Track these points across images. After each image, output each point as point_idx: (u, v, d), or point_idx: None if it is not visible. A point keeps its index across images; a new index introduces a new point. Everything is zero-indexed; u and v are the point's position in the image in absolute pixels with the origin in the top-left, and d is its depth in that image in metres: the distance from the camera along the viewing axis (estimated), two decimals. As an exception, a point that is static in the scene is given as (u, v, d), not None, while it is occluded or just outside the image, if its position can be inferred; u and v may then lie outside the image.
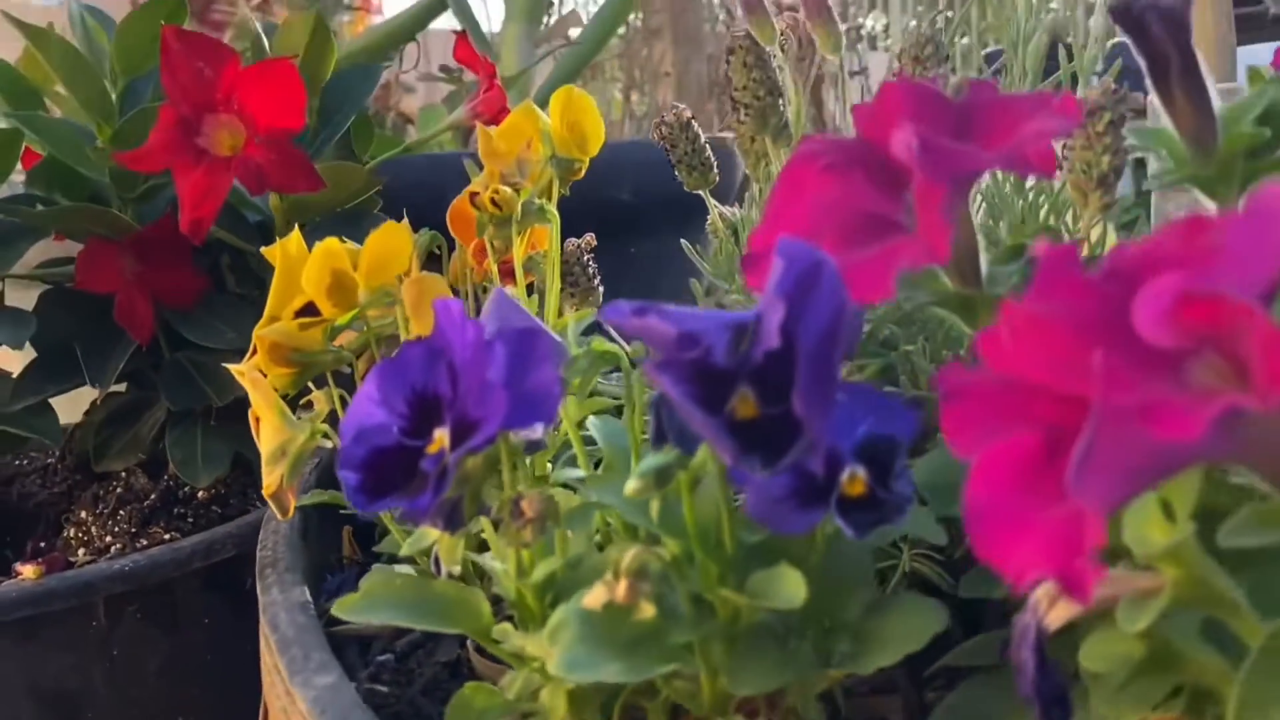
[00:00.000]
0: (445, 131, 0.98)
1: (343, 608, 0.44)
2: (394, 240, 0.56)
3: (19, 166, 0.85)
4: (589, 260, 0.79)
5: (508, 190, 0.60)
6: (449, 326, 0.42)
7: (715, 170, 0.75)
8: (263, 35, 0.83)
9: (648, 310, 0.36)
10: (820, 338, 0.36)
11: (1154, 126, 0.43)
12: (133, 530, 0.85)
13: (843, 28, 0.68)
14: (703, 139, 0.74)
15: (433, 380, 0.43)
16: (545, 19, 1.49)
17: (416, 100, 2.00)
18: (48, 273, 0.85)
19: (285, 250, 0.62)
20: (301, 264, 0.61)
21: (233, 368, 0.59)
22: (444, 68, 1.50)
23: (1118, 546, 0.34)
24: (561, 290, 0.78)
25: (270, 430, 0.57)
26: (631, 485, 0.38)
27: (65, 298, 0.84)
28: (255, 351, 0.61)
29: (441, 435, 0.41)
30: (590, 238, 0.80)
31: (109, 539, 0.85)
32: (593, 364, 0.50)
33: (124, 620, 0.76)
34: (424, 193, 1.04)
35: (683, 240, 0.77)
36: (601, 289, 0.81)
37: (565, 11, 2.02)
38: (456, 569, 0.48)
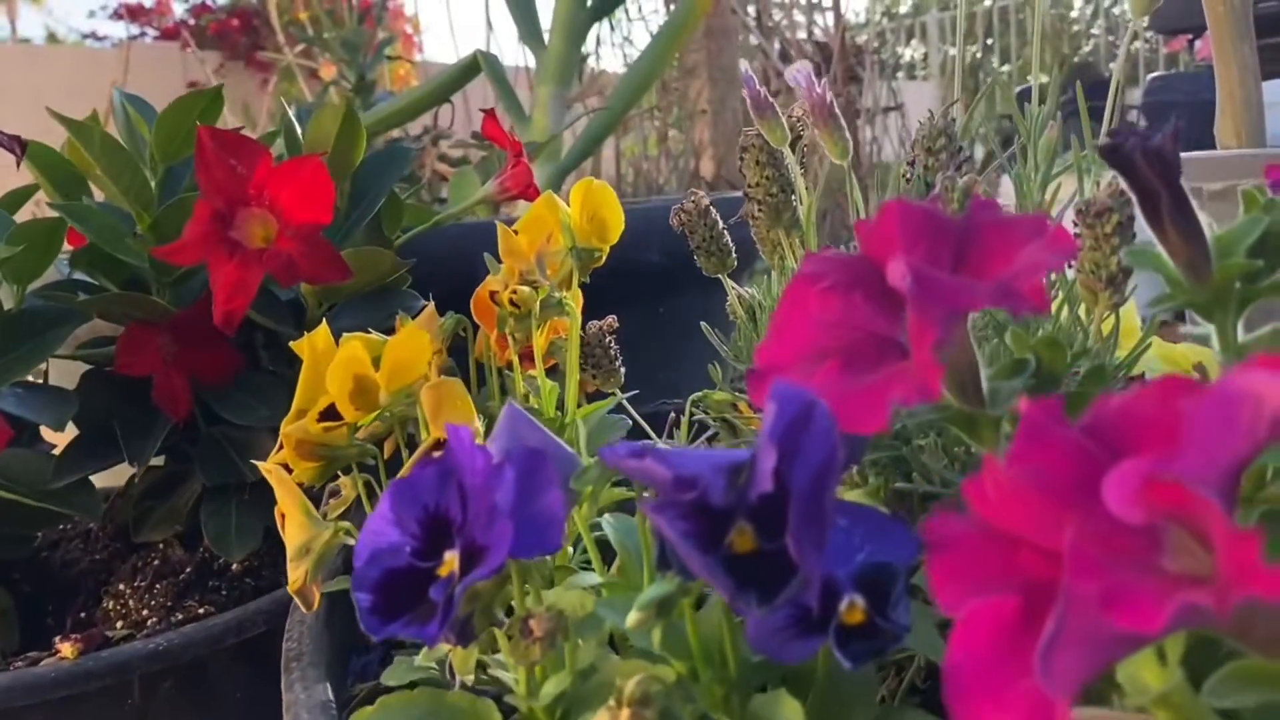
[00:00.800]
0: (476, 206, 1.00)
1: (359, 721, 0.45)
2: (414, 344, 0.58)
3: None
4: (610, 342, 0.81)
5: (526, 291, 0.62)
6: (460, 452, 0.43)
7: (733, 255, 0.76)
8: (295, 123, 0.85)
9: (644, 453, 0.37)
10: (813, 478, 0.37)
11: (1149, 248, 0.44)
12: (168, 604, 0.87)
13: (881, 57, 0.69)
14: (720, 225, 0.76)
15: (444, 501, 0.44)
16: (577, 80, 1.52)
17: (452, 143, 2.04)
18: (89, 353, 0.88)
19: (313, 344, 0.64)
20: (329, 357, 0.63)
21: (260, 465, 0.61)
22: (475, 134, 1.53)
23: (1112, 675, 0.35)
24: (583, 371, 0.80)
25: (295, 528, 0.59)
26: (633, 617, 0.39)
27: (105, 377, 0.87)
28: (282, 446, 0.63)
29: (452, 558, 0.43)
30: (611, 320, 0.81)
31: (145, 612, 0.87)
32: (603, 474, 0.51)
33: (158, 696, 0.78)
34: (453, 264, 1.06)
35: (702, 323, 0.78)
36: (623, 370, 0.82)
37: (596, 73, 2.05)
38: (469, 679, 0.49)
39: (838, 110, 0.58)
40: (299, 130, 0.85)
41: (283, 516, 0.60)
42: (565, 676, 0.45)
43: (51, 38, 7.76)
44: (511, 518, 0.41)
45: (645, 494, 0.50)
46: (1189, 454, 0.26)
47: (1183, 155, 1.19)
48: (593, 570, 0.58)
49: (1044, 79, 0.73)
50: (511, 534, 0.40)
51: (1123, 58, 0.75)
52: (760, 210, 0.66)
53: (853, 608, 0.40)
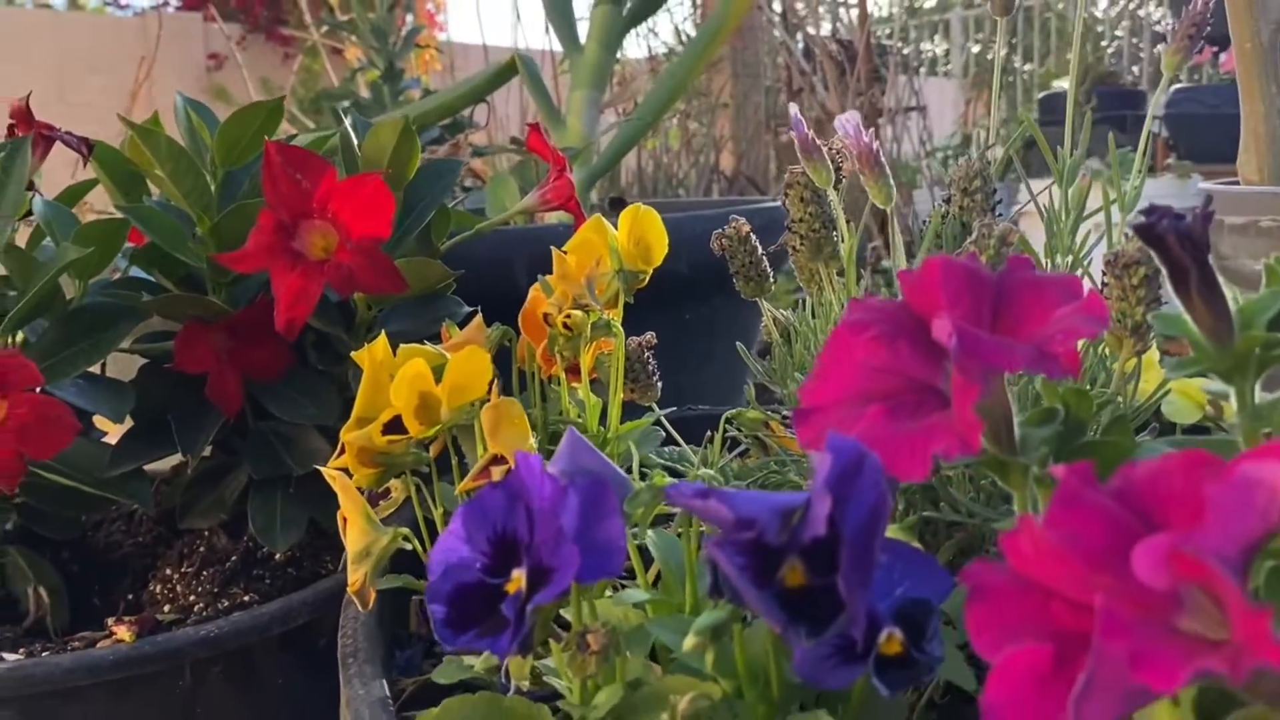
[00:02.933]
0: (514, 216, 1.03)
1: (423, 725, 0.49)
2: (476, 364, 0.61)
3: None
4: (649, 357, 0.84)
5: (580, 314, 0.65)
6: (529, 478, 0.47)
7: (770, 280, 0.80)
8: (352, 134, 0.89)
9: (709, 494, 0.40)
10: (862, 524, 0.40)
11: (1177, 316, 0.47)
12: (215, 590, 0.91)
13: (904, 51, 0.72)
14: (760, 251, 0.79)
15: (512, 523, 0.48)
16: (609, 84, 1.55)
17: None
18: (146, 347, 0.91)
19: (372, 355, 0.68)
20: (388, 367, 0.66)
21: (323, 470, 0.64)
22: (514, 139, 1.56)
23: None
24: (624, 384, 0.84)
25: (356, 532, 0.63)
26: (690, 642, 0.43)
27: (161, 371, 0.90)
28: (342, 451, 0.66)
29: (519, 576, 0.46)
30: (650, 336, 0.85)
31: (192, 598, 0.91)
32: (653, 499, 0.54)
33: (207, 681, 0.82)
34: (493, 268, 1.10)
35: (738, 343, 0.82)
36: (660, 383, 0.86)
37: (624, 67, 2.08)
38: (525, 684, 0.53)
39: (883, 159, 0.61)
40: (356, 142, 0.88)
41: (344, 520, 0.64)
42: (617, 688, 0.49)
43: (74, 4, 7.78)
44: (576, 542, 0.45)
45: (703, 529, 0.54)
46: (1209, 531, 0.30)
47: (1203, 186, 1.22)
48: (633, 581, 0.62)
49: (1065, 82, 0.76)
50: (578, 558, 0.44)
51: (1158, 77, 0.77)
52: (802, 244, 0.69)
53: (891, 640, 0.43)
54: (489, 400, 0.61)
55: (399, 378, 0.60)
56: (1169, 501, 0.34)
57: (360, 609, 0.65)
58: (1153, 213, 0.43)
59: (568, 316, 0.65)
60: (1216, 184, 1.17)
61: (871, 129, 0.67)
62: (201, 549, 0.96)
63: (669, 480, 0.56)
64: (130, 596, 0.96)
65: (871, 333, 0.49)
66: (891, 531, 0.50)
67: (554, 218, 1.40)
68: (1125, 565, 0.32)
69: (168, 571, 0.95)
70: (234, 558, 0.93)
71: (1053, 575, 0.35)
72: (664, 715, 0.44)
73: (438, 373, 0.65)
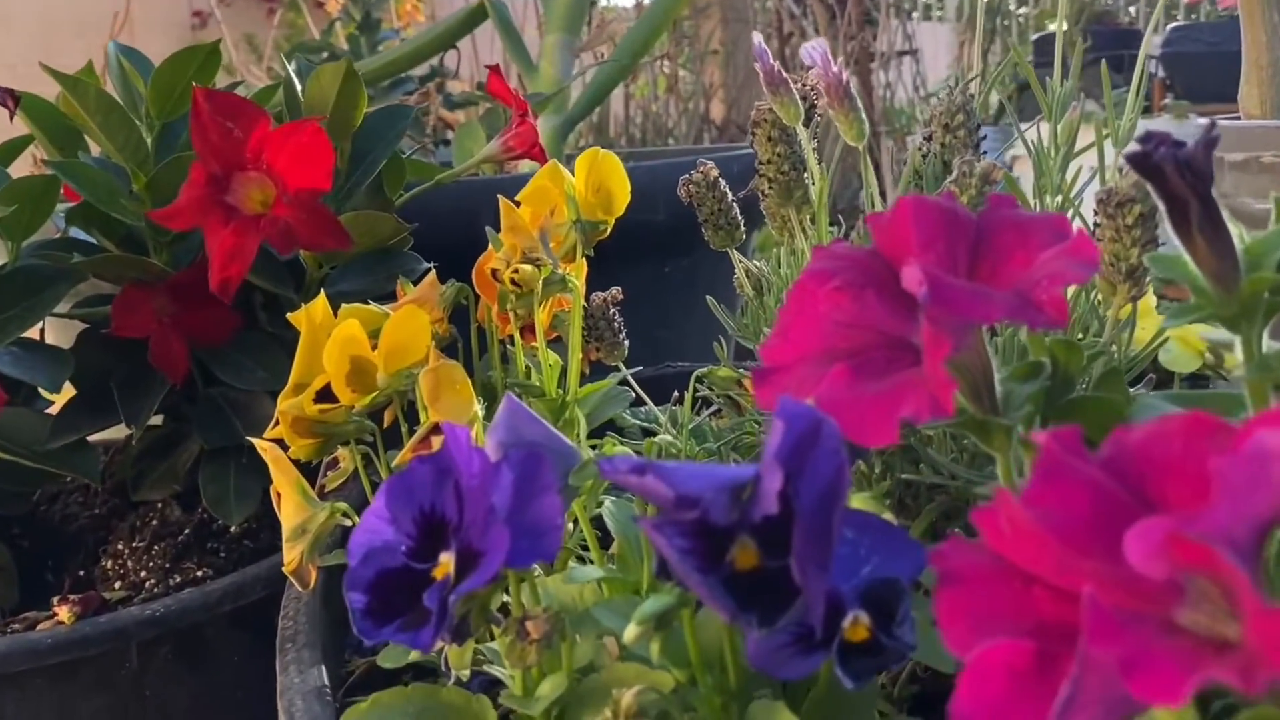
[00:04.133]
0: (478, 165, 0.98)
1: (351, 718, 0.45)
2: (413, 326, 0.56)
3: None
4: (614, 314, 0.79)
5: (529, 270, 0.60)
6: (456, 452, 0.42)
7: (741, 229, 0.75)
8: (295, 81, 0.83)
9: (645, 469, 0.36)
10: (819, 499, 0.35)
11: (1176, 256, 0.42)
12: (166, 565, 0.87)
13: None
14: (730, 197, 0.74)
15: (441, 501, 0.43)
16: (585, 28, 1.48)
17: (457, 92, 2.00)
18: (85, 312, 0.86)
19: (310, 317, 0.63)
20: (327, 330, 0.61)
21: (255, 441, 0.60)
22: (479, 86, 1.50)
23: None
24: (587, 343, 0.79)
25: (291, 507, 0.58)
26: (631, 631, 0.38)
27: (102, 337, 0.85)
28: (278, 421, 0.61)
29: (447, 560, 0.42)
30: (616, 292, 0.80)
31: (144, 574, 0.87)
32: (591, 473, 0.50)
33: (155, 661, 0.78)
34: (456, 221, 1.04)
35: (708, 297, 0.77)
36: (627, 342, 0.81)
37: (602, 10, 2.01)
38: (465, 674, 0.48)
39: (854, 90, 0.56)
40: (299, 88, 0.83)
41: (278, 495, 0.59)
42: (561, 679, 0.44)
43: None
44: (508, 523, 0.40)
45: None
46: (1216, 511, 0.25)
47: (1202, 121, 1.16)
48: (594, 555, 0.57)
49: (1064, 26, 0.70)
50: (508, 541, 0.39)
51: (1152, 12, 0.72)
52: (771, 187, 0.64)
53: (857, 625, 0.39)
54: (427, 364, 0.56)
55: (330, 341, 0.56)
56: (1168, 473, 0.30)
57: (300, 590, 0.60)
58: (1149, 140, 0.38)
59: (515, 272, 0.60)
60: (1216, 119, 1.11)
61: (854, 70, 0.62)
62: (154, 522, 0.91)
63: (621, 450, 0.51)
64: (82, 573, 0.91)
65: (836, 283, 0.45)
66: (859, 501, 0.45)
67: (526, 167, 1.35)
68: (1117, 548, 0.28)
69: (119, 546, 0.90)
70: (186, 531, 0.89)
71: (1033, 559, 0.31)
72: (607, 711, 0.39)
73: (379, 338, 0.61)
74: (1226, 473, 0.25)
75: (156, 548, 0.88)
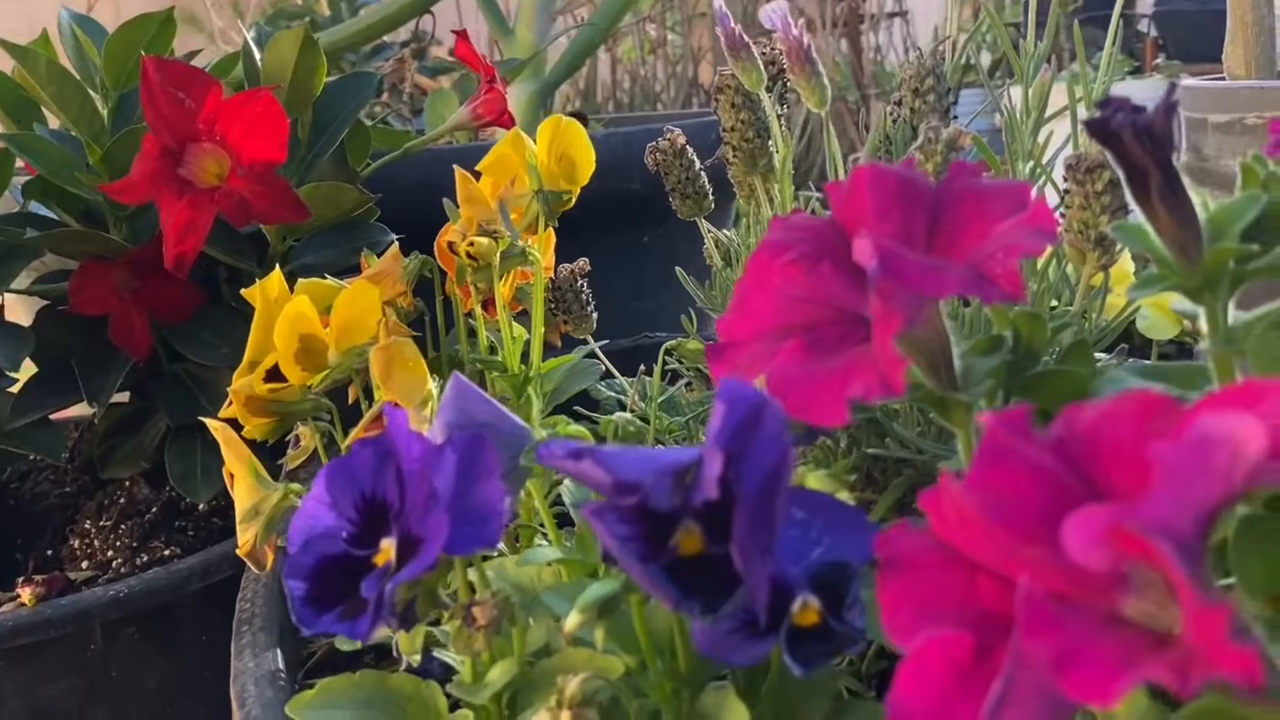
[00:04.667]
0: (448, 133, 0.96)
1: (297, 707, 0.44)
2: (364, 301, 0.55)
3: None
4: (582, 285, 0.78)
5: (485, 243, 0.58)
6: (396, 436, 0.41)
7: (710, 198, 0.73)
8: (255, 49, 0.81)
9: (583, 454, 0.34)
10: (761, 485, 0.34)
11: (1138, 226, 0.41)
12: (134, 545, 0.86)
13: None
14: (697, 165, 0.72)
15: (382, 486, 0.42)
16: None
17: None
18: (45, 288, 0.85)
19: (265, 292, 0.61)
20: (283, 306, 0.60)
21: (207, 421, 0.58)
22: (451, 52, 1.47)
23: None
24: (555, 316, 0.77)
25: (243, 489, 0.57)
26: (572, 620, 0.37)
27: (62, 313, 0.84)
28: (232, 403, 0.60)
29: (388, 546, 0.41)
30: (583, 263, 0.78)
31: (110, 553, 0.85)
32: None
33: (121, 642, 0.77)
34: (427, 192, 1.02)
35: (677, 269, 0.75)
36: (595, 315, 0.79)
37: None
38: (416, 660, 0.47)
39: (815, 55, 0.54)
40: (258, 56, 0.81)
41: (230, 476, 0.58)
42: (511, 664, 0.43)
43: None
44: (449, 509, 0.39)
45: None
46: (1158, 500, 0.24)
47: (1187, 83, 1.14)
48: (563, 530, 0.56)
49: None
50: (447, 527, 0.38)
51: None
52: (736, 155, 0.63)
53: (806, 609, 0.38)
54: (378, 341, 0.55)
55: (279, 319, 0.54)
56: (1116, 456, 0.28)
57: (256, 572, 0.59)
58: (1107, 105, 0.36)
59: (470, 245, 0.59)
60: (1200, 80, 1.09)
61: (843, 33, 0.60)
62: (121, 500, 0.90)
63: (573, 430, 0.50)
64: (50, 552, 0.90)
65: (792, 255, 0.43)
66: (816, 480, 0.44)
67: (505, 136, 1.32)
68: (1060, 535, 0.27)
69: (86, 525, 0.89)
70: (154, 509, 0.88)
71: (977, 546, 0.29)
72: (552, 700, 0.38)
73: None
74: (1167, 460, 0.24)
75: (124, 526, 0.87)
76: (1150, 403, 0.28)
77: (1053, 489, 0.29)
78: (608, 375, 0.79)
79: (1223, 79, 1.09)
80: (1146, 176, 0.37)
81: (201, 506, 0.89)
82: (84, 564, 0.86)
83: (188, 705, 0.81)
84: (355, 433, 0.55)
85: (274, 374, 0.57)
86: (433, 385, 0.54)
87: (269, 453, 0.68)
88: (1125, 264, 0.82)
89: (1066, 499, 0.28)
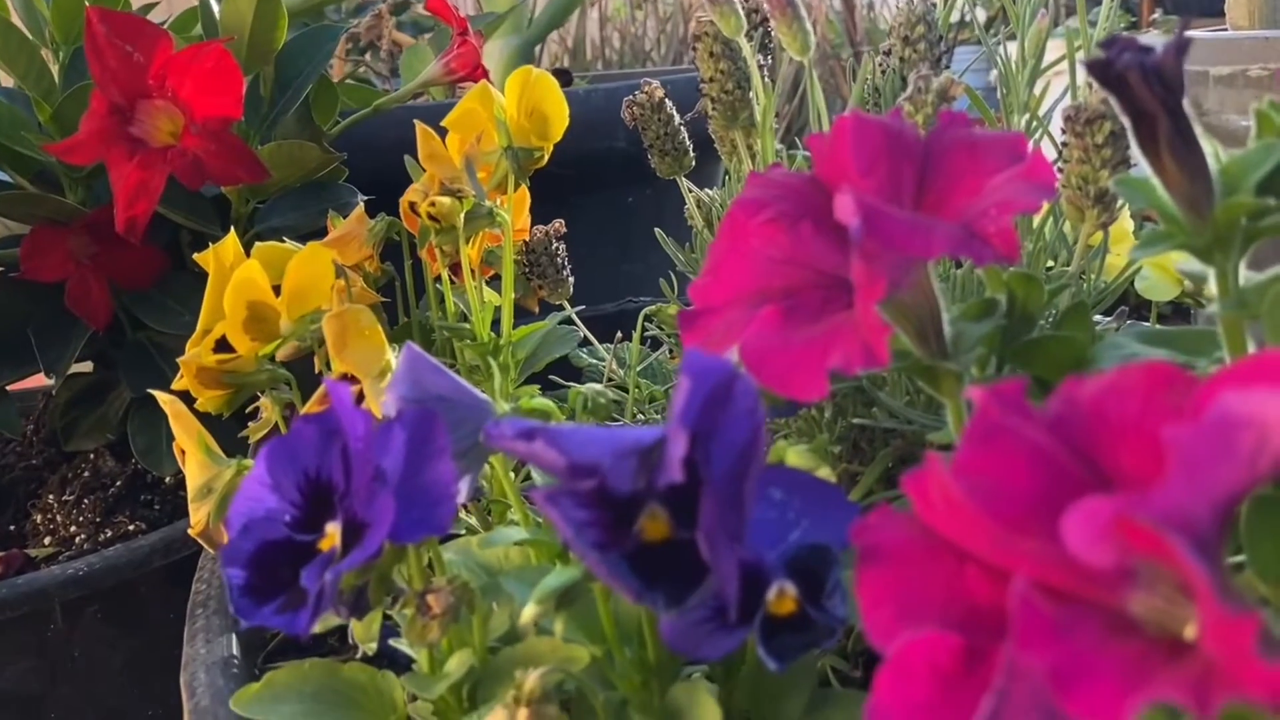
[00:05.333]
0: (420, 89, 0.92)
1: (242, 701, 0.41)
2: (317, 266, 0.51)
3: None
4: (558, 248, 0.74)
5: (446, 203, 0.55)
6: (341, 413, 0.38)
7: (690, 155, 0.69)
8: (211, 1, 0.77)
9: (535, 433, 0.31)
10: (730, 466, 0.31)
11: (1142, 180, 0.38)
12: (97, 520, 0.83)
13: None
14: (677, 120, 0.69)
15: (327, 466, 0.39)
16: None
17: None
18: (-2, 254, 0.81)
19: (219, 257, 0.58)
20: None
21: (157, 394, 0.55)
22: (427, 7, 1.42)
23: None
24: (529, 281, 0.74)
25: (195, 466, 0.54)
26: (529, 611, 0.34)
27: (14, 280, 0.80)
28: (183, 375, 0.57)
29: (334, 531, 0.38)
30: (558, 224, 0.75)
31: (74, 528, 0.83)
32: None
33: (83, 621, 0.74)
34: (400, 151, 0.98)
35: (657, 230, 0.72)
36: (571, 279, 0.76)
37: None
38: (372, 649, 0.45)
39: (800, 3, 0.51)
40: (216, 10, 0.77)
41: (182, 452, 0.55)
42: (468, 655, 0.40)
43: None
44: (396, 491, 0.36)
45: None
46: (1173, 489, 0.21)
47: (1187, 35, 1.10)
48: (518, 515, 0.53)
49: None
50: (393, 511, 0.35)
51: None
52: (715, 108, 0.59)
53: (783, 597, 0.35)
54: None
55: (228, 286, 0.51)
56: (1123, 436, 0.25)
57: (211, 552, 0.56)
58: (1112, 46, 0.33)
59: (432, 205, 0.55)
60: (1202, 31, 1.06)
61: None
62: (85, 474, 0.87)
63: (540, 402, 0.47)
64: (13, 527, 0.87)
65: (769, 214, 0.40)
66: (796, 456, 0.41)
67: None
68: (1058, 525, 0.24)
69: (49, 499, 0.86)
70: (119, 483, 0.85)
71: (966, 535, 0.26)
72: (509, 695, 0.35)
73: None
74: (1184, 444, 0.21)
75: (87, 501, 0.84)
76: (1161, 375, 0.25)
77: (1050, 472, 0.26)
78: (587, 342, 0.76)
79: (1224, 30, 1.05)
80: (1154, 123, 0.33)
81: (168, 480, 0.86)
82: (46, 540, 0.83)
83: (159, 683, 0.78)
84: (308, 407, 0.52)
85: (226, 344, 0.54)
86: (392, 355, 0.51)
87: (236, 425, 0.65)
88: (1124, 222, 0.79)
89: (1066, 484, 0.25)
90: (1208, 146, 0.35)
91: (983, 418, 0.26)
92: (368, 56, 1.63)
